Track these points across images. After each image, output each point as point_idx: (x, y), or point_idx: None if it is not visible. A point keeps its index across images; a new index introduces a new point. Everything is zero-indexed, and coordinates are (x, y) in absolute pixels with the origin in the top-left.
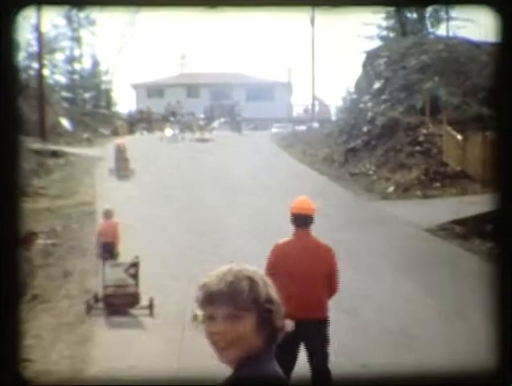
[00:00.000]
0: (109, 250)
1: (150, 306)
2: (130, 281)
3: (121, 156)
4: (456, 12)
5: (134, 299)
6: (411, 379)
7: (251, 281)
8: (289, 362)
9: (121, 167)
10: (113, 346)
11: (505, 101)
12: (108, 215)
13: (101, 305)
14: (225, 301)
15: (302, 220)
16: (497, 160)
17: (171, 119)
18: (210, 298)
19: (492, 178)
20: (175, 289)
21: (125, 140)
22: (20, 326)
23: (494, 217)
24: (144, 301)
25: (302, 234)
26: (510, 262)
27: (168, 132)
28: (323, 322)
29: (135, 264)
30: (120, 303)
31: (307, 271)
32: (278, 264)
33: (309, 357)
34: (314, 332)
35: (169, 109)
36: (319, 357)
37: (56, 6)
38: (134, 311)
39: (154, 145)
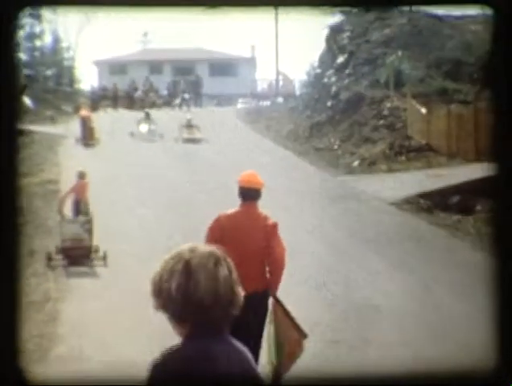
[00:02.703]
0: (77, 206)
1: (104, 258)
2: (85, 236)
3: (86, 125)
4: None
5: (88, 251)
6: (409, 378)
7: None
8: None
9: (87, 136)
10: (80, 323)
11: (505, 100)
12: (81, 176)
13: (60, 256)
14: None
15: (249, 194)
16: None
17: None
18: None
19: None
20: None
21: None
22: (20, 324)
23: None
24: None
25: (247, 207)
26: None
27: (143, 127)
28: (259, 295)
29: (89, 221)
30: (76, 255)
31: (242, 243)
32: (216, 235)
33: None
34: (249, 305)
35: (132, 86)
36: (252, 336)
37: (56, 6)
38: (90, 262)
39: (119, 122)
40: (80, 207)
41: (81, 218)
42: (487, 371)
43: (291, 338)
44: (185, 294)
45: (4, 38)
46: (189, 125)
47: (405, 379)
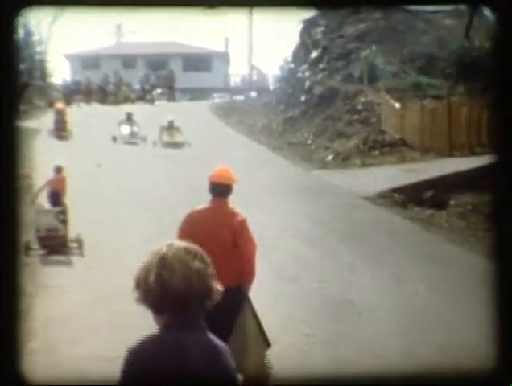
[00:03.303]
0: (54, 198)
1: (80, 247)
2: (60, 226)
3: (60, 118)
4: None
5: (64, 241)
6: (409, 378)
7: None
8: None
9: (60, 128)
10: (54, 318)
11: (505, 100)
12: (58, 170)
13: (37, 246)
14: None
15: (220, 189)
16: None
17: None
18: None
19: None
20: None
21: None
22: (20, 325)
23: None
24: (75, 244)
25: (217, 203)
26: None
27: (125, 129)
28: (230, 292)
29: (63, 211)
30: (52, 244)
31: (211, 239)
32: (186, 231)
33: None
34: (220, 301)
35: (106, 80)
36: (221, 332)
37: (56, 6)
38: (65, 251)
39: (93, 116)
40: (59, 200)
41: (55, 208)
42: (487, 371)
43: (255, 340)
44: (162, 285)
45: (4, 38)
46: (170, 128)
47: (405, 379)
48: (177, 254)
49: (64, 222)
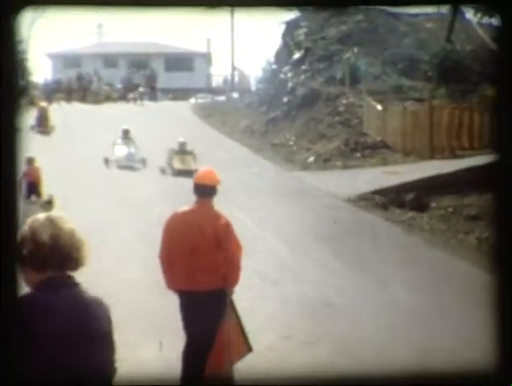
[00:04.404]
0: (32, 190)
1: None
2: None
3: (42, 114)
4: None
5: None
6: (409, 378)
7: None
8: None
9: (42, 124)
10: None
11: (506, 101)
12: (30, 161)
13: None
14: None
15: (203, 190)
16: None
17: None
18: None
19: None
20: None
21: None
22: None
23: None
24: None
25: (201, 204)
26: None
27: (120, 150)
28: (213, 294)
29: (49, 202)
30: None
31: (193, 241)
32: (171, 232)
33: (187, 337)
34: (204, 303)
35: (87, 78)
36: (194, 336)
37: (56, 6)
38: None
39: (73, 114)
40: (37, 191)
41: (42, 199)
42: (487, 371)
43: (236, 343)
44: (55, 240)
45: (4, 38)
46: (182, 152)
47: (404, 379)
48: (58, 217)
49: (50, 211)
